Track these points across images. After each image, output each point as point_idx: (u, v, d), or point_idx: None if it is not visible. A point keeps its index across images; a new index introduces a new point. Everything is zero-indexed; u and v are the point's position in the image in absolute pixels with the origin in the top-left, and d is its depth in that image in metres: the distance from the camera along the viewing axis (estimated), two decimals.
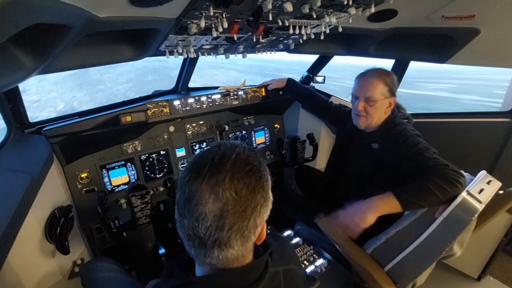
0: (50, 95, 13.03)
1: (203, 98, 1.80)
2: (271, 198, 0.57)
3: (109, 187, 1.68)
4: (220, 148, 0.55)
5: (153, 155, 1.80)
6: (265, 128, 2.31)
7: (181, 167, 1.91)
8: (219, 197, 0.49)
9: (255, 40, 1.30)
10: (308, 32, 1.26)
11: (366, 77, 1.37)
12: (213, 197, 0.49)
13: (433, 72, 19.22)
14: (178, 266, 0.64)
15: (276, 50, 1.70)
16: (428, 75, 18.03)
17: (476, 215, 0.98)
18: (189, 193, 0.51)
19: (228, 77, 17.57)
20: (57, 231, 1.22)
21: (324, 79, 2.22)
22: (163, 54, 1.27)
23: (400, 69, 2.03)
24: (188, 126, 1.92)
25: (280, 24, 1.11)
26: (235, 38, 1.22)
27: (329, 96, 2.20)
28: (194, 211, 0.50)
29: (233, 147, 0.56)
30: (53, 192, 1.37)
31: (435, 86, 15.37)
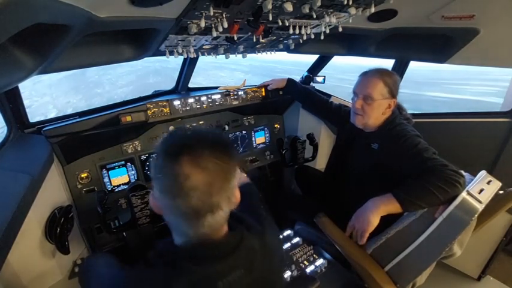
0: (43, 99, 12.33)
1: (203, 98, 1.80)
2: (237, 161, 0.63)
3: (109, 187, 1.68)
4: (183, 129, 0.62)
5: (153, 155, 1.80)
6: (265, 128, 2.31)
7: None
8: (203, 168, 0.54)
9: (255, 40, 1.30)
10: (308, 32, 1.26)
11: (367, 75, 1.37)
12: (197, 169, 0.54)
13: (455, 73, 17.57)
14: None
15: (276, 50, 1.70)
16: (452, 77, 16.69)
17: (476, 215, 0.98)
18: (174, 173, 0.55)
19: (234, 79, 17.05)
20: (57, 231, 1.22)
21: (324, 79, 2.21)
22: (163, 54, 1.27)
23: (400, 69, 2.02)
24: (188, 126, 1.92)
25: (280, 24, 1.11)
26: (235, 38, 1.22)
27: (329, 96, 2.20)
28: (184, 187, 0.54)
29: (194, 127, 0.62)
30: (53, 192, 1.37)
31: (476, 90, 13.63)
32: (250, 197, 1.06)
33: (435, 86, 14.62)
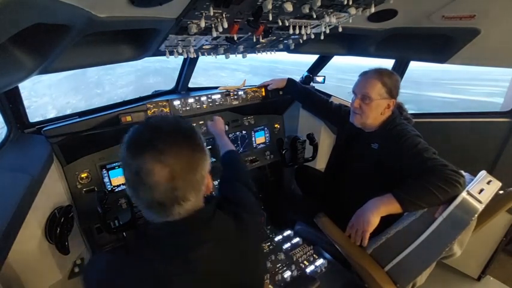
0: (43, 100, 12.16)
1: (203, 98, 1.80)
2: (207, 151, 0.65)
3: (109, 187, 1.67)
4: (150, 122, 0.63)
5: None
6: (265, 128, 2.31)
7: None
8: (164, 164, 0.56)
9: (255, 40, 1.30)
10: (308, 32, 1.26)
11: (366, 75, 1.37)
12: (159, 165, 0.55)
13: (458, 73, 17.32)
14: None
15: (276, 50, 1.70)
16: (456, 77, 16.55)
17: (476, 215, 0.98)
18: (136, 168, 0.56)
19: (235, 79, 16.84)
20: (57, 231, 1.22)
21: (324, 79, 2.21)
22: (163, 54, 1.27)
23: (400, 69, 2.03)
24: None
25: (280, 24, 1.11)
26: (235, 38, 1.21)
27: (329, 96, 2.20)
28: (146, 182, 0.56)
29: (163, 118, 0.65)
30: (53, 192, 1.37)
31: (480, 90, 13.18)
32: (230, 171, 1.11)
33: (439, 87, 14.48)
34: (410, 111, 1.52)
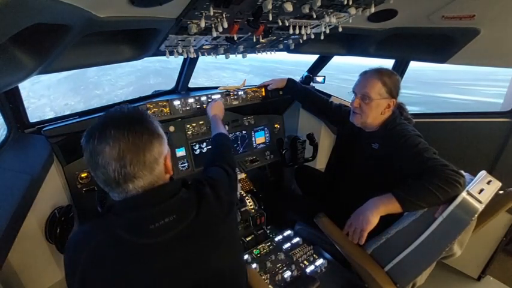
0: (41, 101, 12.03)
1: (203, 98, 1.80)
2: (161, 135, 0.73)
3: None
4: (106, 112, 0.72)
5: None
6: (265, 128, 2.31)
7: (181, 167, 1.92)
8: (112, 146, 0.65)
9: (255, 40, 1.30)
10: (308, 32, 1.26)
11: (367, 75, 1.37)
12: (108, 147, 0.65)
13: (465, 74, 16.96)
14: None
15: (276, 50, 1.70)
16: (462, 77, 16.33)
17: (476, 215, 0.98)
18: (90, 151, 0.66)
19: (236, 79, 16.64)
20: (57, 231, 1.22)
21: (324, 79, 2.21)
22: (163, 54, 1.27)
23: (400, 69, 2.03)
24: (188, 126, 1.92)
25: (280, 24, 1.11)
26: (235, 38, 1.22)
27: (329, 96, 2.20)
28: (99, 162, 0.65)
29: (119, 108, 0.73)
30: (53, 192, 1.37)
31: (491, 91, 12.77)
32: (211, 156, 1.21)
33: (447, 87, 14.32)
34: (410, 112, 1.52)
